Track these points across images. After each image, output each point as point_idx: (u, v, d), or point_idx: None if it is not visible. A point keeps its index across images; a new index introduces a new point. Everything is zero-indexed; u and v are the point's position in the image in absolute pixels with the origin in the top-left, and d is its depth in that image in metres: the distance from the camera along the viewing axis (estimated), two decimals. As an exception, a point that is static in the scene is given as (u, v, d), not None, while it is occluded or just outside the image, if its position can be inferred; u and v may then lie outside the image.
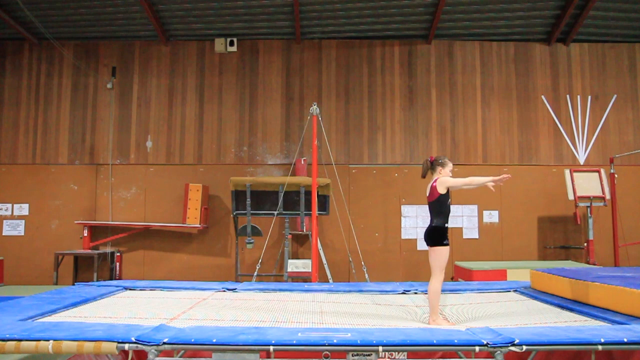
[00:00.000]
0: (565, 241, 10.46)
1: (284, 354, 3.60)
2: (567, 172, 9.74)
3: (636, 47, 10.92)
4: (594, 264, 9.22)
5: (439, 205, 4.56)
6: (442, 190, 4.54)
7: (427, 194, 4.66)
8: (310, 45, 10.82)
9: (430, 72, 10.79)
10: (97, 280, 9.43)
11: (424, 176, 4.81)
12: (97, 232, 10.27)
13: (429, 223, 4.63)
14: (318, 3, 9.90)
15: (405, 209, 10.47)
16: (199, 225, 9.93)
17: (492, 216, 10.47)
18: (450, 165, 4.72)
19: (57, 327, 3.43)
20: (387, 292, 5.87)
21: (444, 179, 4.58)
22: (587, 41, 10.87)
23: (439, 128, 10.67)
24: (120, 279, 10.01)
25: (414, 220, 10.41)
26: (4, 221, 10.40)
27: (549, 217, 10.48)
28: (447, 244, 4.51)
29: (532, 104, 10.75)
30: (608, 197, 9.58)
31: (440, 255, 4.50)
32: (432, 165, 4.73)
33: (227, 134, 10.64)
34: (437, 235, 4.52)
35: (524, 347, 3.13)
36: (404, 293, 5.85)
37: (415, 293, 5.83)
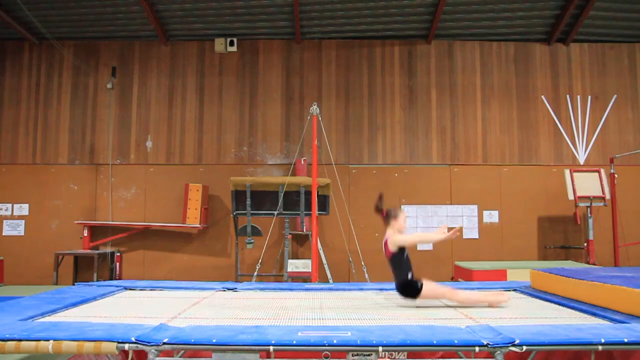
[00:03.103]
0: (565, 241, 10.46)
1: (284, 354, 3.60)
2: (567, 172, 9.74)
3: (636, 47, 10.92)
4: (594, 264, 9.22)
5: (397, 261, 4.44)
6: (394, 249, 4.42)
7: (383, 250, 4.54)
8: (310, 45, 10.82)
9: (430, 72, 10.79)
10: (97, 280, 9.44)
11: (385, 222, 4.58)
12: (97, 232, 10.28)
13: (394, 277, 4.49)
14: (318, 3, 9.90)
15: (405, 209, 10.46)
16: (199, 225, 9.93)
17: (492, 216, 10.46)
18: (403, 215, 4.57)
19: (57, 327, 3.42)
20: (386, 290, 5.87)
21: (394, 239, 4.41)
22: (587, 41, 10.88)
23: (439, 128, 10.67)
24: (120, 279, 10.01)
25: (414, 220, 10.39)
26: (4, 221, 10.40)
27: (549, 217, 10.48)
28: (422, 285, 4.32)
29: (532, 104, 10.75)
30: (608, 197, 9.58)
31: (431, 293, 4.36)
32: (386, 218, 4.55)
33: (227, 134, 10.64)
34: (408, 289, 4.38)
35: (524, 347, 3.12)
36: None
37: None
